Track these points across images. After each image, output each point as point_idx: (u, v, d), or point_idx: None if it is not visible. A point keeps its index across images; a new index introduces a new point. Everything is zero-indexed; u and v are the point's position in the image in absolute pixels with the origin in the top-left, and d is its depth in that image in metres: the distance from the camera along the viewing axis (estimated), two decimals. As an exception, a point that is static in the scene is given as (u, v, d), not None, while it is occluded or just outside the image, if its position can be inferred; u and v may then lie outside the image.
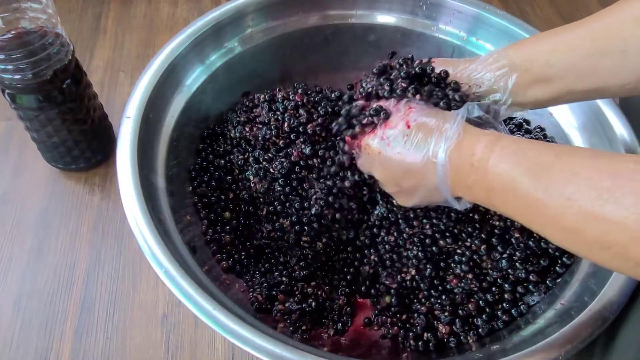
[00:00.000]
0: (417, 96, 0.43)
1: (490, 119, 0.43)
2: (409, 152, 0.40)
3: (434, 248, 0.50)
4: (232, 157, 0.58)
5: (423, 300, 0.50)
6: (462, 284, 0.49)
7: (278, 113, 0.54)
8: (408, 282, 0.51)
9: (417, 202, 0.44)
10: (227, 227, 0.55)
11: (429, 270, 0.50)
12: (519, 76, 0.44)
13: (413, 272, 0.50)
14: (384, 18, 0.66)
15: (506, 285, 0.49)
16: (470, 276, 0.49)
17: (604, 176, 0.31)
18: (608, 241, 0.30)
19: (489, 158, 0.36)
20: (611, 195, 0.30)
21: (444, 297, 0.49)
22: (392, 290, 0.51)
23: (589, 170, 0.32)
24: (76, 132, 0.62)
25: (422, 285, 0.50)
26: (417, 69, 0.45)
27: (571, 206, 0.31)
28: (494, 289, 0.49)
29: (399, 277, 0.51)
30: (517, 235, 0.49)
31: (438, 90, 0.43)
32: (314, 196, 0.52)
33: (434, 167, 0.39)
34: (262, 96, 0.57)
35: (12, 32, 0.52)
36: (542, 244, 0.49)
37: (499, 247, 0.49)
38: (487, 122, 0.43)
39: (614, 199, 0.30)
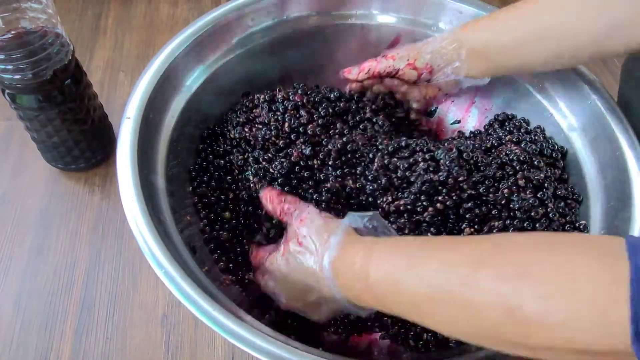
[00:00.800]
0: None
1: (380, 226, 0.43)
2: (302, 267, 0.41)
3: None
4: (232, 157, 0.58)
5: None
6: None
7: (278, 113, 0.54)
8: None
9: (326, 314, 0.45)
10: (227, 227, 0.55)
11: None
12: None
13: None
14: (384, 18, 0.66)
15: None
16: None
17: (463, 260, 0.33)
18: (483, 327, 0.31)
19: (369, 264, 0.37)
20: (471, 280, 0.31)
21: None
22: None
23: (451, 255, 0.34)
24: (76, 132, 0.62)
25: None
26: None
27: (450, 298, 0.32)
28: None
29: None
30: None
31: None
32: None
33: (324, 279, 0.40)
34: (262, 96, 0.57)
35: (12, 32, 0.52)
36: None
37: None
38: (377, 229, 0.43)
39: (475, 283, 0.31)
